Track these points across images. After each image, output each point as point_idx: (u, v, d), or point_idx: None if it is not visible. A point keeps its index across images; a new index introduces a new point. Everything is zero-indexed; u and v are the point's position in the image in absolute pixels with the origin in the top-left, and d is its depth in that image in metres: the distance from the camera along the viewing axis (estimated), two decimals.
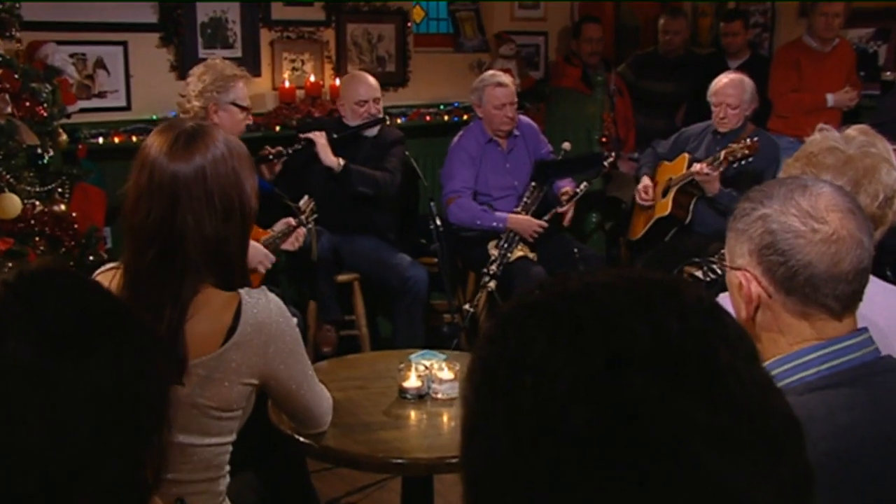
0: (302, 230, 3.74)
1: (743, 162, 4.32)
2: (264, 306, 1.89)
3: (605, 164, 4.87)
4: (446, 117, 5.63)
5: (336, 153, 4.39)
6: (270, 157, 4.26)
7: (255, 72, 4.91)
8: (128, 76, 4.56)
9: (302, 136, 4.37)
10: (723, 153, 4.38)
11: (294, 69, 5.10)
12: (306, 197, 3.92)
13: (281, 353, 1.93)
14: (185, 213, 1.84)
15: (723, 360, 0.75)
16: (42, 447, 0.91)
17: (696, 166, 4.47)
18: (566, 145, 4.93)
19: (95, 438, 0.92)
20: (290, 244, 3.72)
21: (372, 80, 4.59)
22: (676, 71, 6.04)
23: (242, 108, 3.80)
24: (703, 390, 0.74)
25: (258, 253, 3.40)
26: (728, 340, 0.77)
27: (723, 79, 4.58)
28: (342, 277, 4.55)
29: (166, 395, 1.02)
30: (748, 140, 4.33)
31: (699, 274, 3.23)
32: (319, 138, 4.36)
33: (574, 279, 0.84)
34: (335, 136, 4.44)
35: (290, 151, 4.31)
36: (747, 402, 0.75)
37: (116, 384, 0.94)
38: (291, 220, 3.75)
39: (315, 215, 3.91)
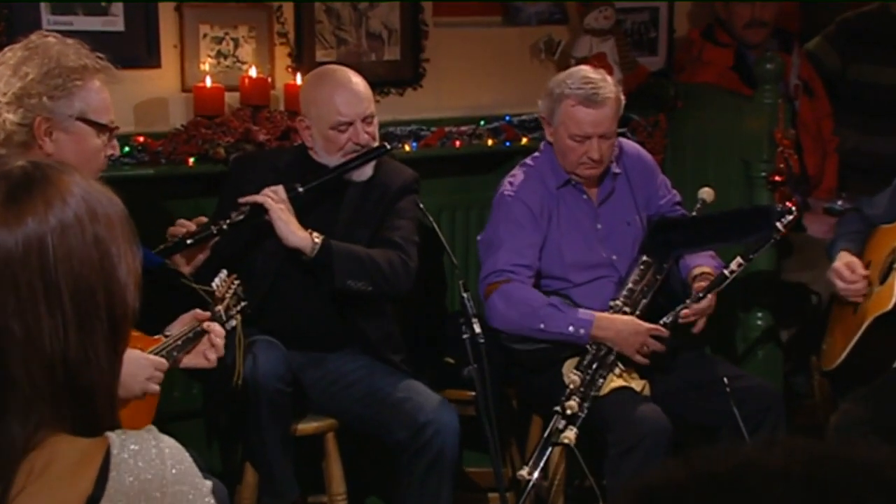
0: (216, 333, 3.72)
1: None
2: (151, 458, 1.90)
3: (781, 224, 4.70)
4: (490, 141, 5.64)
5: (302, 218, 4.41)
6: (189, 241, 4.27)
7: (150, 60, 4.94)
8: None
9: (243, 201, 4.41)
10: None
11: (221, 56, 5.11)
12: (224, 273, 3.97)
13: None
14: (9, 318, 1.86)
15: None
16: None
17: None
18: (706, 193, 4.95)
19: None
20: (199, 357, 3.71)
21: (359, 82, 4.63)
22: None
23: (100, 128, 3.78)
24: None
25: (140, 366, 3.45)
26: None
27: None
28: (304, 427, 4.57)
29: None
30: None
31: None
32: (274, 199, 4.39)
33: (734, 454, 0.98)
34: (300, 188, 4.46)
35: (226, 227, 4.32)
36: None
37: None
38: (200, 315, 3.72)
39: (242, 304, 3.99)
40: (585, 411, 4.40)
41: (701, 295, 4.63)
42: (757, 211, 5.01)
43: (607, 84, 4.73)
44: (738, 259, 4.63)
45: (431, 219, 4.66)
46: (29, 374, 1.87)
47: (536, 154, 4.89)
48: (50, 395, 1.88)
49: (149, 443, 1.91)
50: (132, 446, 1.89)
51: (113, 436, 1.90)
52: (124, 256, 1.95)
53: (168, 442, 1.93)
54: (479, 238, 4.89)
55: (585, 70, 4.84)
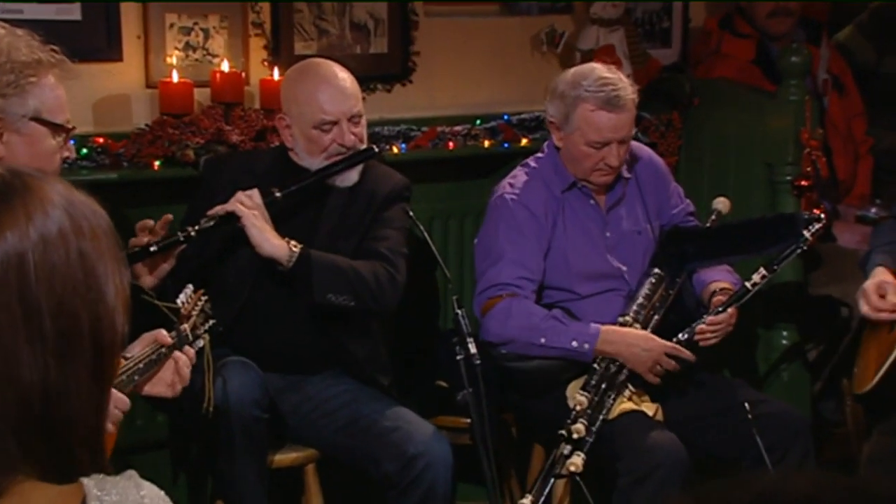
0: (184, 355, 3.71)
1: None
2: None
3: (808, 232, 4.73)
4: (487, 143, 5.67)
5: (279, 226, 4.43)
6: (153, 247, 4.28)
7: (111, 53, 4.94)
8: None
9: (212, 213, 4.40)
10: None
11: (189, 48, 5.12)
12: (189, 288, 3.97)
13: None
14: None
15: None
16: None
17: None
18: (721, 203, 5.01)
19: None
20: (163, 385, 3.70)
21: (345, 78, 4.66)
22: None
23: (56, 128, 3.78)
24: None
25: None
26: None
27: None
28: (282, 457, 4.59)
29: None
30: None
31: None
32: (248, 206, 4.40)
33: (752, 486, 1.06)
34: (278, 193, 4.48)
35: (194, 233, 4.34)
36: None
37: None
38: (163, 336, 3.67)
39: (210, 322, 3.98)
40: (593, 436, 4.41)
41: (720, 309, 4.65)
42: (781, 218, 5.03)
43: (625, 84, 4.75)
44: (762, 270, 4.66)
45: (423, 228, 4.67)
46: (2, 408, 1.84)
47: (539, 155, 4.90)
48: (22, 433, 1.86)
49: (130, 492, 1.88)
50: (111, 496, 1.87)
51: (89, 484, 1.87)
52: (112, 276, 1.92)
53: (152, 491, 1.91)
54: (475, 248, 4.91)
55: (599, 69, 4.84)
